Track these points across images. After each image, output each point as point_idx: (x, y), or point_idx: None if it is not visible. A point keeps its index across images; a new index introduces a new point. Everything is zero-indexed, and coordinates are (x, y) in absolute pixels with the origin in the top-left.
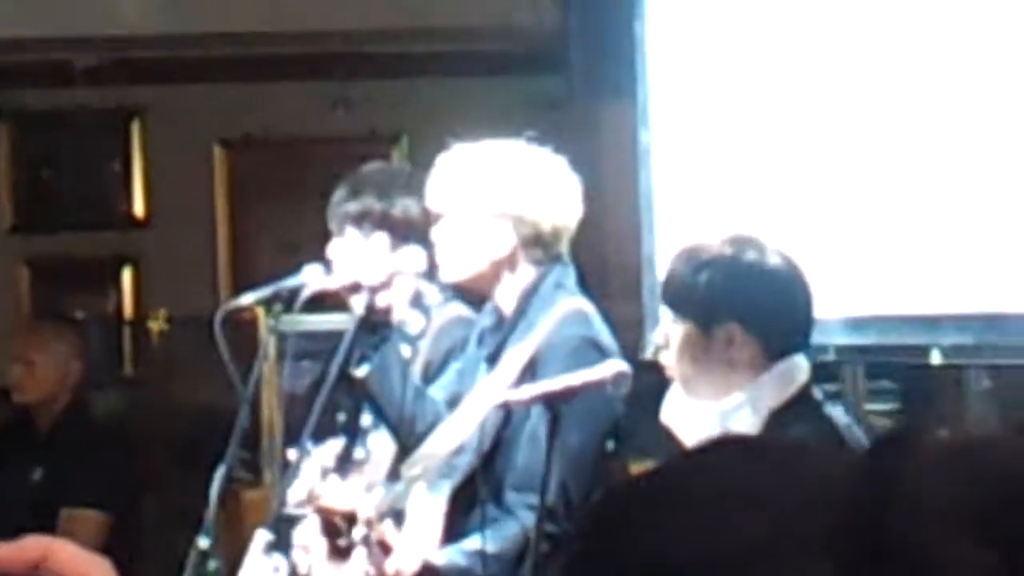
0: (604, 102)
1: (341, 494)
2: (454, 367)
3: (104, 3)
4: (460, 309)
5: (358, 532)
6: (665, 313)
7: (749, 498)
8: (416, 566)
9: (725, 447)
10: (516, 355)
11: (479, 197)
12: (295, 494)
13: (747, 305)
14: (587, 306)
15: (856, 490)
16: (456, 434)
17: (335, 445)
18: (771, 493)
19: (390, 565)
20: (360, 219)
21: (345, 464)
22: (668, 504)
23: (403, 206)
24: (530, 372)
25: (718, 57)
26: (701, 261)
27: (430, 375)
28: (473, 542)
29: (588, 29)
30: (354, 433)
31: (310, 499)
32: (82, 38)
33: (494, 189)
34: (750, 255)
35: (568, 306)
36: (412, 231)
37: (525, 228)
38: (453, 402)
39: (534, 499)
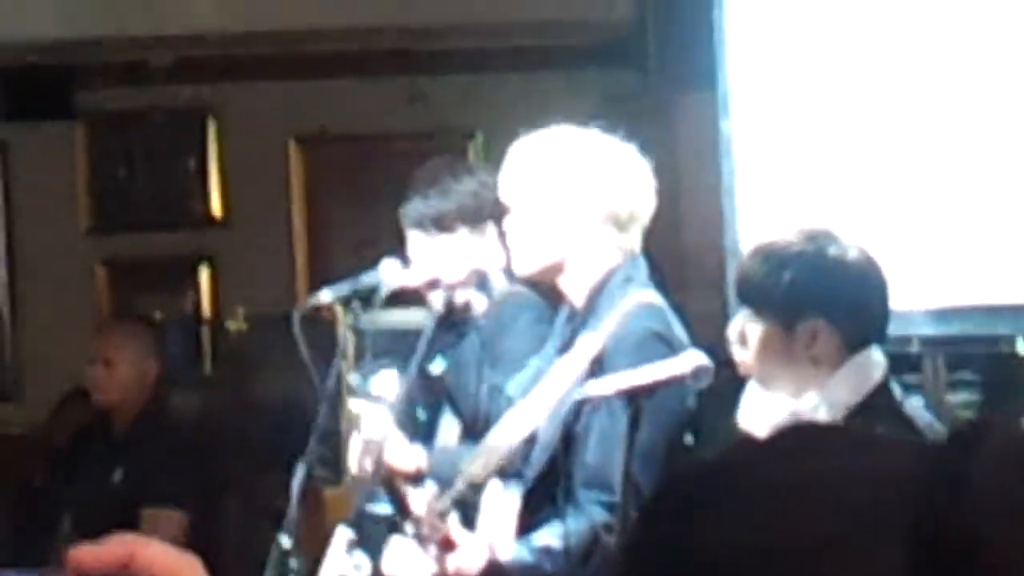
0: (681, 93)
1: (404, 453)
2: (533, 363)
3: (178, 2)
4: (519, 288)
5: (425, 528)
6: (740, 310)
7: (819, 487)
8: (480, 564)
9: (797, 435)
10: (583, 349)
11: (555, 186)
12: (360, 443)
13: (830, 300)
14: (656, 299)
15: (927, 484)
16: (517, 430)
17: (389, 377)
18: (841, 483)
19: (452, 562)
20: (437, 217)
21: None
22: (737, 491)
23: (478, 201)
24: (598, 366)
25: (799, 45)
26: (780, 258)
27: (486, 346)
28: (542, 538)
29: (664, 20)
30: (432, 430)
31: (376, 447)
32: (157, 37)
33: (571, 177)
34: (830, 249)
35: (636, 299)
36: (488, 226)
37: (602, 216)
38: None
39: (604, 496)
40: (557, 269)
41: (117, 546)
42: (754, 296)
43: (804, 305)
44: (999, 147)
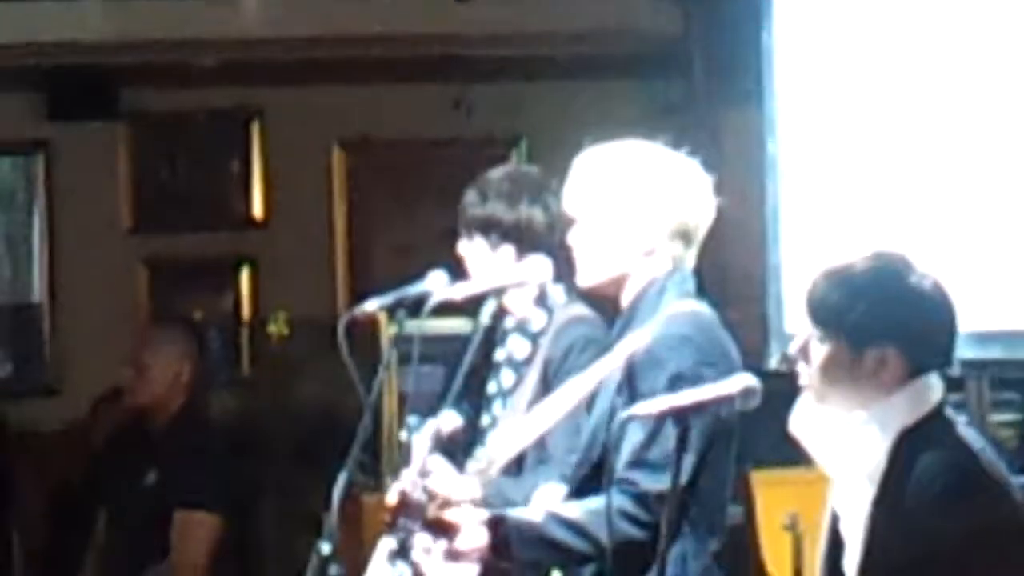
0: (726, 109)
1: (447, 480)
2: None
3: (223, 5)
4: (582, 309)
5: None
6: (803, 326)
7: None
8: (480, 533)
9: None
10: (619, 353)
11: (623, 198)
12: (409, 473)
13: (903, 328)
14: (696, 306)
15: None
16: (529, 430)
17: (448, 417)
18: None
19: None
20: (487, 227)
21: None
22: None
23: (529, 215)
24: (631, 369)
25: (846, 68)
26: (856, 283)
27: (551, 373)
28: (557, 506)
29: (712, 35)
30: (473, 432)
31: (422, 474)
32: (201, 40)
33: (639, 190)
34: (906, 278)
35: (673, 309)
36: (539, 240)
37: (670, 230)
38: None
39: (631, 487)
40: (620, 282)
41: None
42: (824, 318)
43: (876, 333)
44: None
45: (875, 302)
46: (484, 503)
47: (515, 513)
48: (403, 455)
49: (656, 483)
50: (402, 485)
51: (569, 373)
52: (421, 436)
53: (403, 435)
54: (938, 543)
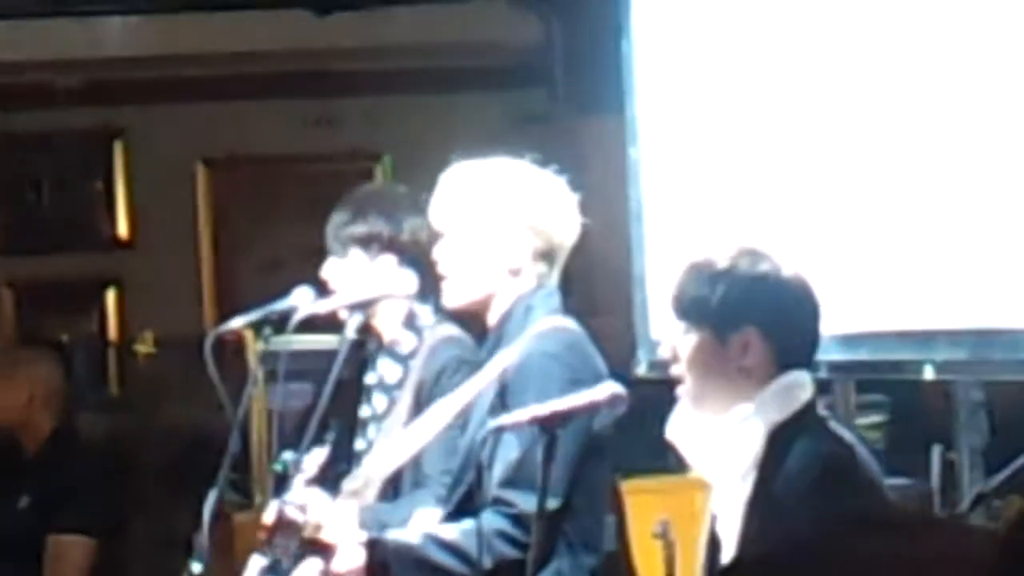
0: (589, 117)
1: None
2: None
3: (86, 24)
4: (452, 329)
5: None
6: (674, 327)
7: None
8: (357, 555)
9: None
10: (488, 372)
11: (489, 215)
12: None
13: (764, 312)
14: (563, 322)
15: None
16: (403, 450)
17: (319, 454)
18: None
19: (336, 563)
20: (367, 241)
21: (335, 484)
22: None
23: (411, 228)
24: (502, 389)
25: (706, 73)
26: (715, 272)
27: (423, 396)
28: (434, 528)
29: (571, 46)
30: (348, 456)
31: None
32: (64, 60)
33: (504, 207)
34: (764, 264)
35: (541, 326)
36: (419, 253)
37: (533, 248)
38: None
39: (507, 508)
40: (486, 301)
41: None
42: (688, 309)
43: (737, 316)
44: (906, 174)
45: (735, 286)
46: (361, 527)
47: (393, 535)
48: (277, 489)
49: (532, 503)
50: (278, 505)
51: (442, 395)
52: (297, 474)
53: (277, 468)
54: (809, 531)
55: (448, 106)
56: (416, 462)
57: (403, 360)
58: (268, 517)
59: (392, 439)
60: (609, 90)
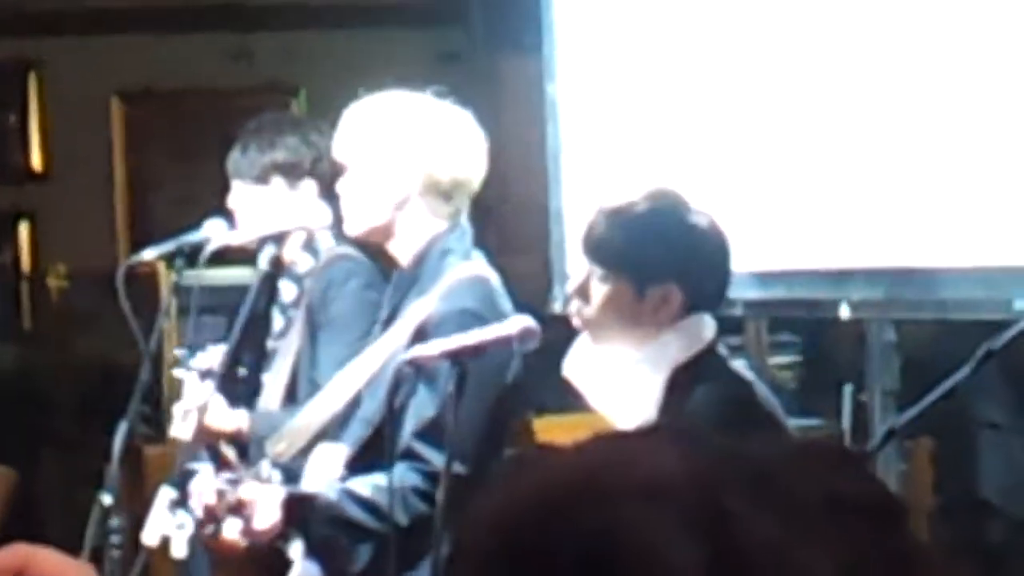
0: (506, 55)
1: (225, 416)
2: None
3: None
4: (347, 249)
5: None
6: (583, 267)
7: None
8: (274, 511)
9: (654, 436)
10: (406, 323)
11: (380, 149)
12: (181, 410)
13: (684, 266)
14: (481, 270)
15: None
16: (333, 402)
17: (215, 352)
18: (663, 486)
19: (250, 521)
20: (254, 167)
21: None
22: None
23: (302, 156)
24: (420, 340)
25: (623, 8)
26: (636, 222)
27: (314, 310)
28: (352, 482)
29: None
30: (255, 390)
31: (197, 412)
32: None
33: (395, 141)
34: (685, 215)
35: (458, 274)
36: (316, 182)
37: (423, 182)
38: None
39: (421, 464)
40: (385, 232)
41: (10, 555)
42: (607, 257)
43: (659, 271)
44: (821, 109)
45: (657, 241)
46: (254, 436)
47: (309, 490)
48: (175, 391)
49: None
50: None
51: (329, 306)
52: (191, 372)
53: (176, 372)
54: None
55: (366, 42)
56: (336, 420)
57: (299, 280)
58: (205, 495)
59: (287, 361)
60: (526, 28)
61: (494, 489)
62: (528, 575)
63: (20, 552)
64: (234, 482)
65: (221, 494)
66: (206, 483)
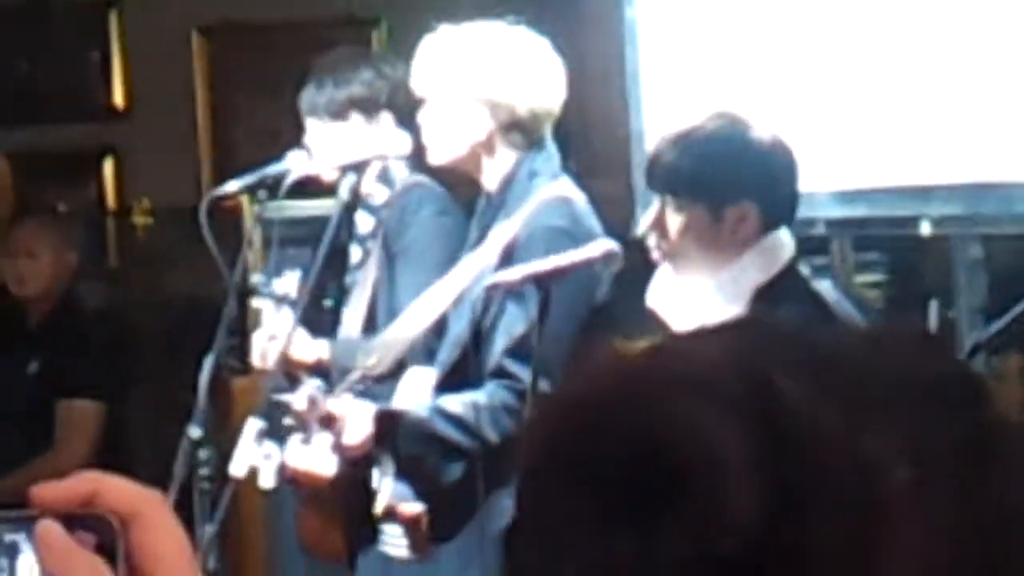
0: None
1: (305, 346)
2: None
3: None
4: (421, 178)
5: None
6: (649, 196)
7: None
8: (364, 427)
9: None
10: (494, 243)
11: (458, 80)
12: (261, 338)
13: (757, 182)
14: (568, 191)
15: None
16: (419, 321)
17: (292, 278)
18: (707, 382)
19: (338, 435)
20: (330, 104)
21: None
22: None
23: (378, 89)
24: (507, 260)
25: None
26: (702, 144)
27: (390, 240)
28: (443, 400)
29: None
30: (337, 322)
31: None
32: None
33: (473, 72)
34: (749, 133)
35: (546, 194)
36: (395, 115)
37: (502, 112)
38: None
39: (512, 382)
40: (469, 161)
41: (80, 482)
42: (678, 185)
43: (734, 189)
44: (904, 26)
45: (726, 161)
46: (335, 365)
47: (400, 407)
48: (255, 320)
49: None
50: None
51: (403, 234)
52: (268, 299)
53: (254, 301)
54: None
55: None
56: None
57: (374, 211)
58: (299, 403)
59: (365, 292)
60: None
61: (555, 389)
62: (579, 475)
63: (89, 480)
64: (326, 392)
65: (312, 400)
66: (299, 391)
